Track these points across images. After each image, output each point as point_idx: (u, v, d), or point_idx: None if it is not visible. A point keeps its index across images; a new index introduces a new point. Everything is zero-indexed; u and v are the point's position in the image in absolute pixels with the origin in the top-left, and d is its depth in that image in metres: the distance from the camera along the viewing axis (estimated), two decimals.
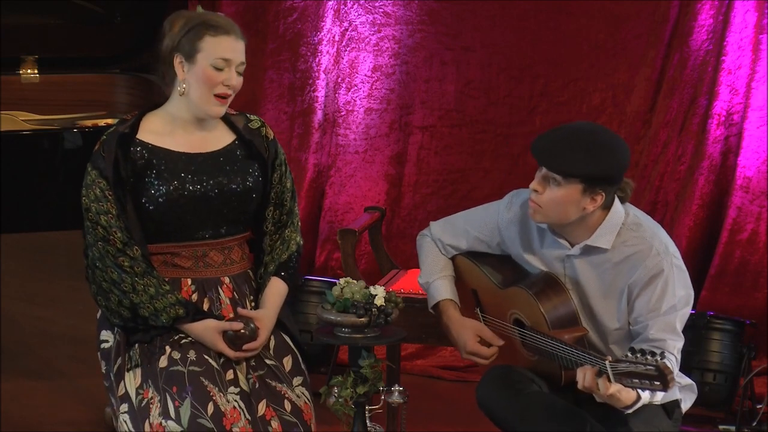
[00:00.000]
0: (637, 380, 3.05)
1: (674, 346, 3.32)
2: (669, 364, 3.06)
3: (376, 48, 5.49)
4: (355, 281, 3.46)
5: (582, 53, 5.35)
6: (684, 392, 3.48)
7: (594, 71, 5.35)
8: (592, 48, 5.34)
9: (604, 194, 3.33)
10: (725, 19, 5.16)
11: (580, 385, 3.18)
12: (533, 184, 3.37)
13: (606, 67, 5.34)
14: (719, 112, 5.20)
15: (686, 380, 3.49)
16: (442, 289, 3.65)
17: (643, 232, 3.39)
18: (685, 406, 3.49)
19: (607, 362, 3.11)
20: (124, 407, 3.32)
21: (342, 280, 3.46)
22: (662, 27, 5.26)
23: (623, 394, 3.14)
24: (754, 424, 4.77)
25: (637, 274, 3.35)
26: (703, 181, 5.22)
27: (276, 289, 3.49)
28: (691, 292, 3.39)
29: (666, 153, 5.31)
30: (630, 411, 3.23)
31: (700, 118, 5.24)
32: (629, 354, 3.05)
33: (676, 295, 3.34)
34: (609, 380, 3.10)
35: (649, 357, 3.02)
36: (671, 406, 3.45)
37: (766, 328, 5.10)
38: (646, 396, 3.20)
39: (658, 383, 3.02)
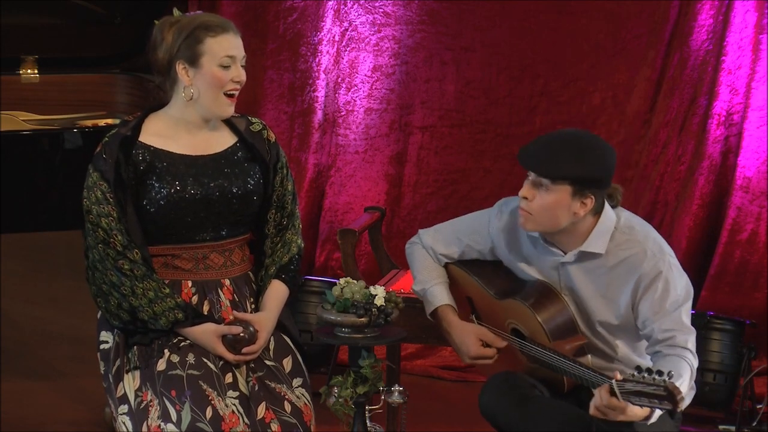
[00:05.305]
0: (645, 399, 3.01)
1: (686, 340, 3.31)
2: (680, 379, 3.05)
3: (376, 48, 5.49)
4: (355, 281, 3.45)
5: (582, 53, 5.35)
6: None
7: (594, 71, 5.35)
8: (592, 48, 5.34)
9: (593, 198, 3.33)
10: (725, 19, 5.16)
11: (593, 410, 3.14)
12: (522, 192, 3.37)
13: (606, 67, 5.34)
14: (719, 112, 5.20)
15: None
16: (440, 295, 3.65)
17: (636, 235, 3.39)
18: (686, 403, 3.49)
19: (614, 381, 3.08)
20: (123, 408, 3.32)
21: (342, 280, 3.46)
22: (662, 27, 5.26)
23: (635, 411, 3.11)
24: (754, 424, 4.77)
25: (637, 280, 3.35)
26: (703, 181, 5.22)
27: (276, 292, 3.49)
28: (690, 288, 3.40)
29: (666, 153, 5.31)
30: (650, 421, 3.20)
31: (700, 118, 5.24)
32: (635, 373, 3.02)
33: (677, 292, 3.35)
34: (617, 399, 3.09)
35: (656, 376, 2.99)
36: None
37: (766, 328, 5.10)
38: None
39: (667, 403, 2.99)
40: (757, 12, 5.12)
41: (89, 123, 4.75)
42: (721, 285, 5.18)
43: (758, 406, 4.80)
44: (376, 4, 5.47)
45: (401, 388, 3.53)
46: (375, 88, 5.51)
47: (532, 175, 3.36)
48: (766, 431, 4.77)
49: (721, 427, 4.84)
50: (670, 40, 5.27)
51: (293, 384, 3.41)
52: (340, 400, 3.46)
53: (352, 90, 5.53)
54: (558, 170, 3.30)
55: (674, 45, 5.27)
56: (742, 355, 4.81)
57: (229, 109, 3.39)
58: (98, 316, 3.47)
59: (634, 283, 3.36)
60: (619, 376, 3.08)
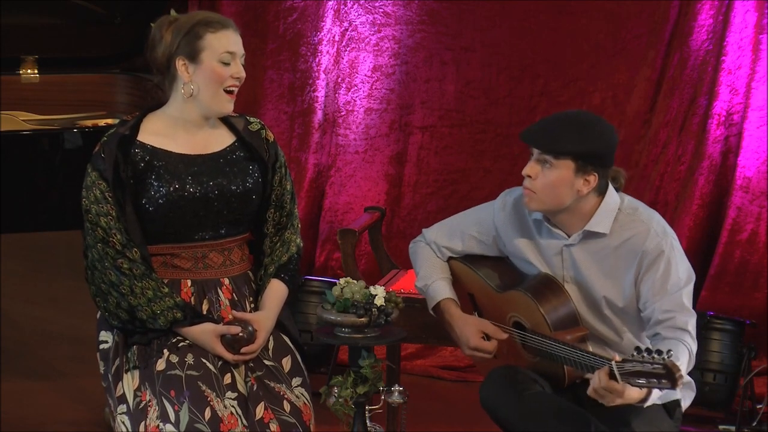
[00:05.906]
0: (644, 380, 3.03)
1: (686, 322, 3.33)
2: (677, 362, 3.06)
3: (376, 48, 5.49)
4: (355, 281, 3.45)
5: (582, 53, 5.35)
6: (683, 390, 3.48)
7: (594, 71, 5.35)
8: (592, 48, 5.34)
9: (596, 175, 3.37)
10: (725, 19, 5.16)
11: (590, 391, 3.16)
12: (526, 170, 3.42)
13: (606, 67, 5.34)
14: (719, 112, 5.20)
15: (685, 378, 3.49)
16: (441, 290, 3.66)
17: (640, 215, 3.43)
18: (685, 404, 3.50)
19: (613, 362, 3.10)
20: (122, 408, 3.32)
21: (342, 280, 3.46)
22: (662, 27, 5.27)
23: (632, 393, 3.13)
24: (754, 424, 4.77)
25: (640, 258, 3.37)
26: (703, 181, 5.22)
27: (275, 292, 3.49)
28: (692, 272, 3.41)
29: (666, 153, 5.31)
30: (646, 404, 3.23)
31: (700, 118, 5.24)
32: (635, 353, 3.05)
33: (679, 275, 3.36)
34: (616, 380, 3.10)
35: (655, 356, 3.02)
36: (672, 406, 3.45)
37: (766, 328, 5.10)
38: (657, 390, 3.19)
39: (666, 381, 3.01)
40: (757, 12, 5.12)
41: (89, 123, 4.75)
42: (721, 285, 5.18)
43: (758, 406, 4.80)
44: (376, 4, 5.47)
45: (401, 388, 3.53)
46: (375, 88, 5.52)
47: (535, 153, 3.41)
48: (766, 431, 4.77)
49: (721, 427, 4.84)
50: (670, 40, 5.27)
51: (292, 383, 3.41)
52: (340, 400, 3.46)
53: (352, 90, 5.53)
54: (561, 145, 3.35)
55: (674, 45, 5.27)
56: (742, 355, 4.81)
57: (228, 106, 3.39)
58: (98, 316, 3.47)
59: (637, 261, 3.38)
60: (618, 358, 3.10)
